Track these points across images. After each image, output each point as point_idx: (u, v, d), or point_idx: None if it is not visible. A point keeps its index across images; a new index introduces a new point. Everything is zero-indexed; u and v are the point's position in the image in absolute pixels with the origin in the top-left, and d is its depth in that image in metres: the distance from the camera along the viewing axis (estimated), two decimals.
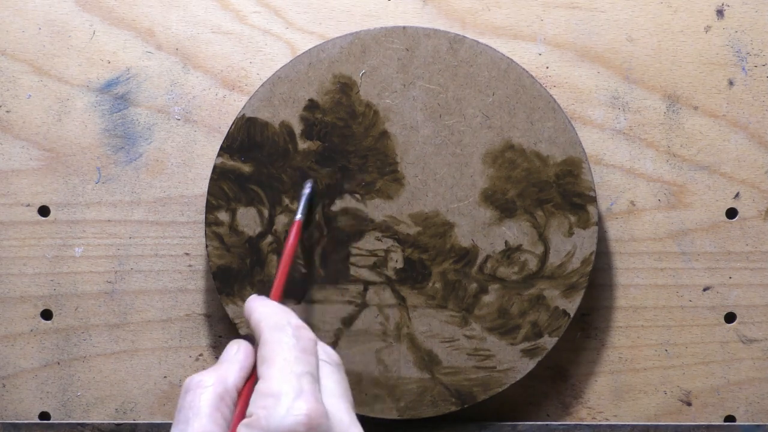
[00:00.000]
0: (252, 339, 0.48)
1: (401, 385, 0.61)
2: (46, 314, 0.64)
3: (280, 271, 0.54)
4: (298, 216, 0.58)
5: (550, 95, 0.60)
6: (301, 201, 0.59)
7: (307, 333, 0.46)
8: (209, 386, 0.45)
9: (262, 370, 0.44)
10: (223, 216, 0.61)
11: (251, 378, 0.47)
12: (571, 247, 0.61)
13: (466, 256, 0.61)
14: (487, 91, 0.60)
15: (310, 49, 0.60)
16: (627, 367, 0.64)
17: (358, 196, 0.61)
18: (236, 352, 0.48)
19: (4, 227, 0.64)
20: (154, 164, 0.63)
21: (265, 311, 0.48)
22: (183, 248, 0.64)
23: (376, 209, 0.61)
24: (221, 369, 0.47)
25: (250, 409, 0.43)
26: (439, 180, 0.60)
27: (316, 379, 0.44)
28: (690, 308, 0.64)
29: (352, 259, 0.61)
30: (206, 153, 0.63)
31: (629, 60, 0.63)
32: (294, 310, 0.61)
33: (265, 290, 0.61)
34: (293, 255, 0.56)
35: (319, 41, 0.62)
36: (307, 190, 0.60)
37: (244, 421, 0.42)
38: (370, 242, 0.61)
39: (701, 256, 0.63)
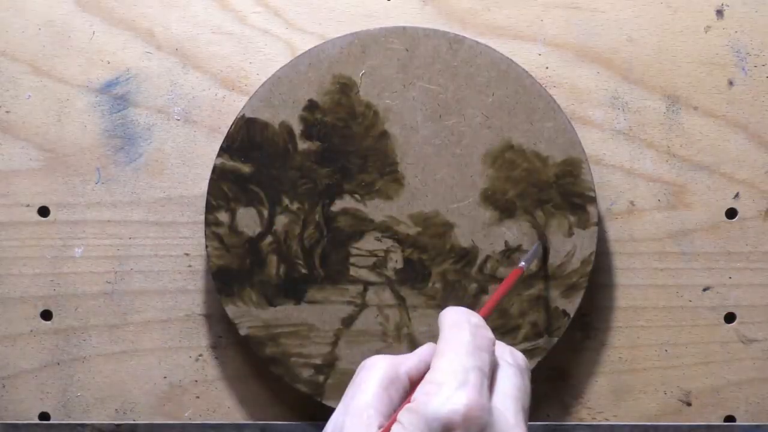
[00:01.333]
0: None
1: None
2: (46, 315, 0.64)
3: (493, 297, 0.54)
4: (522, 264, 0.57)
5: (550, 95, 0.60)
6: (531, 253, 0.59)
7: (486, 332, 0.47)
8: (381, 368, 0.46)
9: (433, 362, 0.45)
10: (223, 216, 0.61)
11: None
12: (570, 247, 0.61)
13: (465, 256, 0.61)
14: (487, 91, 0.60)
15: (309, 50, 0.60)
16: (627, 367, 0.64)
17: (358, 196, 0.61)
18: (424, 347, 0.49)
19: (4, 228, 0.64)
20: (154, 165, 0.63)
21: (449, 312, 0.48)
22: (183, 249, 0.64)
23: (376, 209, 0.61)
24: (400, 357, 0.48)
25: (414, 395, 0.44)
26: (439, 180, 0.60)
27: (485, 375, 0.45)
28: (690, 308, 0.64)
29: (352, 260, 0.61)
30: (206, 153, 0.63)
31: (629, 60, 0.63)
32: (294, 310, 0.61)
33: (264, 290, 0.61)
34: (505, 293, 0.56)
35: (319, 41, 0.62)
36: (537, 247, 0.60)
37: (406, 405, 0.43)
38: (369, 242, 0.61)
39: (701, 256, 0.63)
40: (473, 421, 0.42)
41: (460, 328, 0.47)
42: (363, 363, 0.47)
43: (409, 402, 0.45)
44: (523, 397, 0.47)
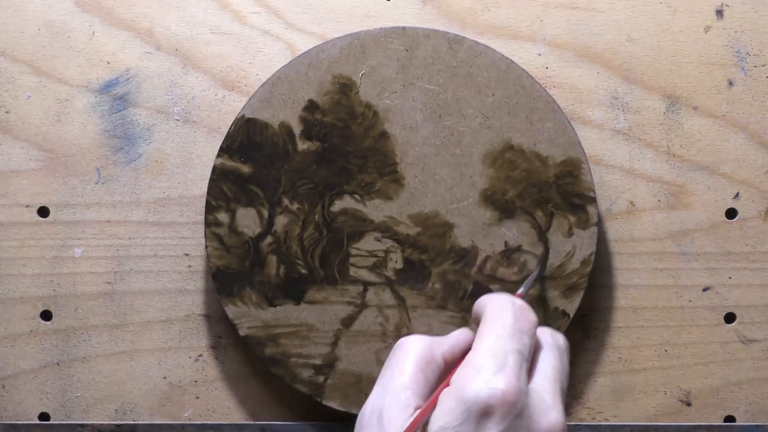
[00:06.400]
0: None
1: None
2: (46, 315, 0.64)
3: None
4: (521, 290, 0.57)
5: (550, 96, 0.60)
6: (530, 281, 0.59)
7: (528, 314, 0.48)
8: (417, 349, 0.48)
9: (474, 345, 0.46)
10: (223, 217, 0.61)
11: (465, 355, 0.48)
12: (570, 247, 0.61)
13: (465, 256, 0.61)
14: (487, 91, 0.60)
15: (309, 50, 0.60)
16: (627, 367, 0.64)
17: (357, 196, 0.61)
18: (458, 332, 0.51)
19: (3, 228, 0.64)
20: (154, 165, 0.63)
21: (492, 296, 0.50)
22: (183, 249, 0.64)
23: (376, 210, 0.61)
24: (435, 338, 0.49)
25: (453, 377, 0.45)
26: (439, 180, 0.60)
27: (525, 359, 0.46)
28: (690, 308, 0.64)
29: (352, 260, 0.61)
30: (206, 154, 0.63)
31: (629, 60, 0.63)
32: (294, 310, 0.61)
33: (264, 290, 0.61)
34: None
35: (318, 42, 0.62)
36: (536, 275, 0.60)
37: (445, 389, 0.45)
38: (369, 243, 0.61)
39: (701, 257, 0.63)
40: (510, 405, 0.43)
41: (504, 310, 0.48)
42: (399, 342, 0.48)
43: (447, 385, 0.45)
44: (561, 378, 0.48)
